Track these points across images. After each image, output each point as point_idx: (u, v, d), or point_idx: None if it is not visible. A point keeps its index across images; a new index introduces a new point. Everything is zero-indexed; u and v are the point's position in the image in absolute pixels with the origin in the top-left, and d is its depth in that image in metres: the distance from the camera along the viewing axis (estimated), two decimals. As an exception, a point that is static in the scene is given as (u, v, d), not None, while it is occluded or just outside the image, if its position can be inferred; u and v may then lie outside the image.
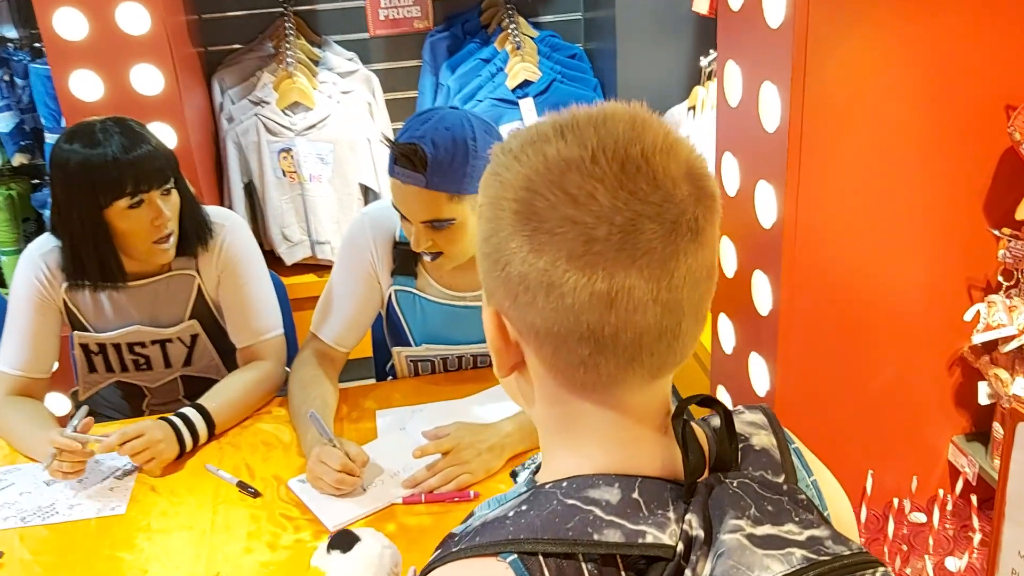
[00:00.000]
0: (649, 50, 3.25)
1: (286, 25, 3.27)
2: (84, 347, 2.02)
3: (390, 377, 2.29)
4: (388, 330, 2.07)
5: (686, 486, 0.72)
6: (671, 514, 0.71)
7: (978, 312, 1.79)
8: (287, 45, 3.22)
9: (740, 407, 0.85)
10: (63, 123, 2.86)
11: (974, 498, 1.93)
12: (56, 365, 2.00)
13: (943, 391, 1.96)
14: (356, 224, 1.99)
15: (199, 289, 2.00)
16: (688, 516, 0.70)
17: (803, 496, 0.74)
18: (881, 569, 0.70)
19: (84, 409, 1.80)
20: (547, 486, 0.74)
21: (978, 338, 1.79)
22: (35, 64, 2.97)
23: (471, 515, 0.84)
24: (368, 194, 3.37)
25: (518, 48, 3.29)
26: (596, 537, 0.69)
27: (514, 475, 1.18)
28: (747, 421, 0.83)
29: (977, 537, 1.85)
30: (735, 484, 0.72)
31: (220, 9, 3.34)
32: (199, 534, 1.66)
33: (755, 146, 1.78)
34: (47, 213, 3.19)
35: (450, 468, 1.70)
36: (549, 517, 0.71)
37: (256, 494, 1.73)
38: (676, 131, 0.71)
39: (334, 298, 2.00)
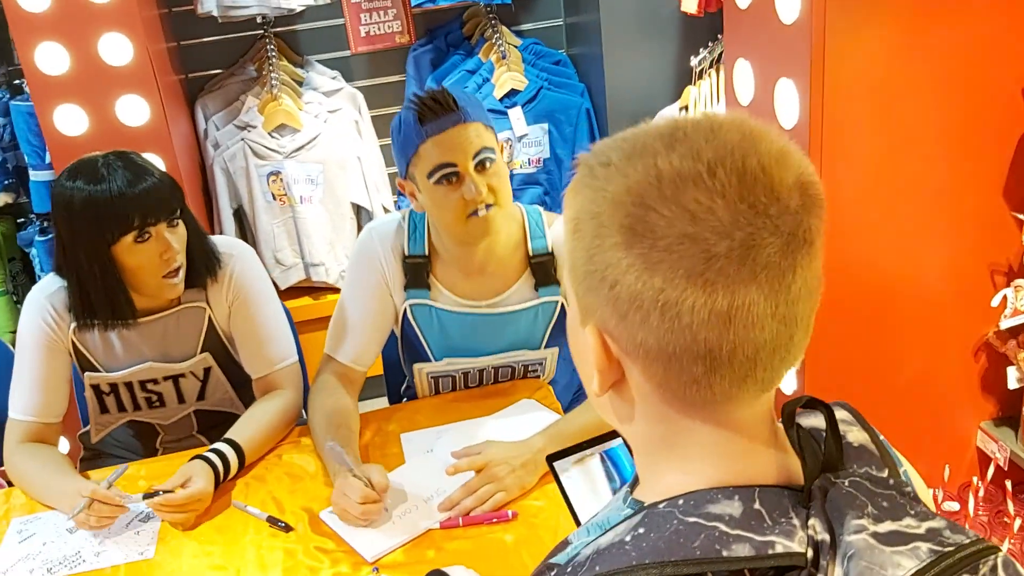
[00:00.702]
0: (635, 52, 3.23)
1: (267, 47, 3.22)
2: (95, 388, 1.96)
3: (404, 399, 2.25)
4: (404, 348, 2.03)
5: (805, 490, 0.70)
6: (795, 521, 0.69)
7: (1005, 297, 1.79)
8: (270, 67, 3.18)
9: (817, 400, 0.84)
10: (47, 159, 2.80)
11: (1008, 483, 1.92)
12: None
13: (970, 377, 1.96)
14: (364, 240, 1.95)
15: (210, 321, 1.95)
16: (811, 521, 0.69)
17: (909, 488, 0.73)
18: (1001, 554, 0.68)
19: (124, 467, 1.75)
20: (661, 505, 0.72)
21: (1006, 323, 1.78)
22: (15, 101, 2.90)
23: (565, 543, 0.81)
24: (360, 213, 3.32)
25: (503, 57, 3.26)
26: (725, 553, 0.67)
27: (550, 460, 1.15)
28: (838, 419, 0.81)
29: (1017, 523, 1.84)
30: (847, 484, 0.71)
31: (199, 35, 3.28)
32: (234, 574, 1.61)
33: (771, 143, 1.77)
34: (33, 252, 3.12)
35: (485, 487, 1.67)
36: (673, 538, 0.68)
37: (288, 528, 1.69)
38: (784, 137, 0.69)
39: (348, 317, 1.95)
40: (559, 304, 1.93)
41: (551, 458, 1.17)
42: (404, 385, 2.24)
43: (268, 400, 1.94)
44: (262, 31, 3.27)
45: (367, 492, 1.61)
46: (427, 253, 1.91)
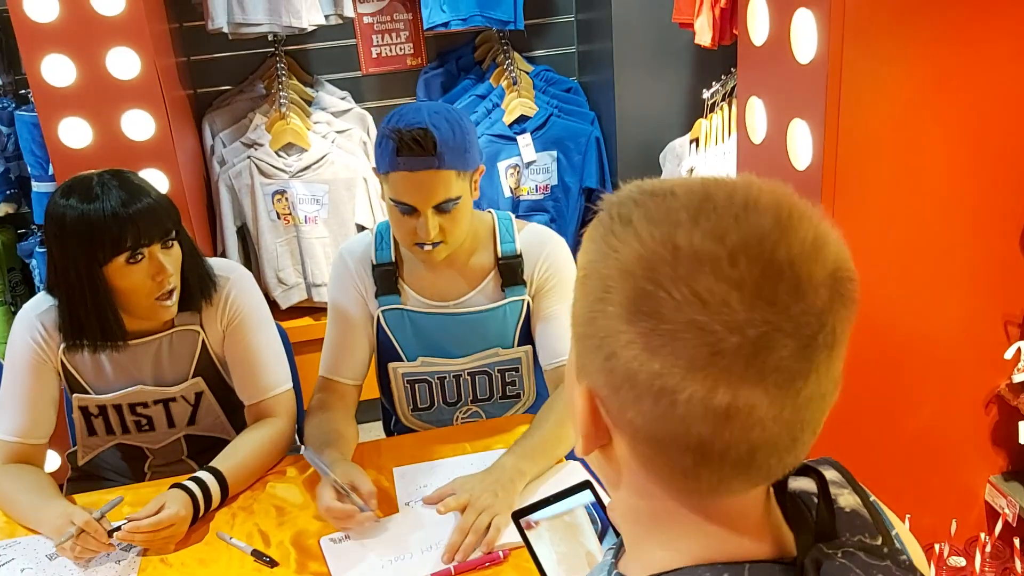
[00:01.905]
0: (647, 82, 3.21)
1: (277, 65, 3.20)
2: (83, 410, 1.92)
3: (395, 433, 2.21)
4: (380, 352, 2.04)
5: (798, 566, 0.66)
6: None
7: (1019, 350, 1.74)
8: (279, 85, 3.15)
9: (807, 463, 0.79)
10: (50, 171, 2.78)
11: (1016, 540, 1.87)
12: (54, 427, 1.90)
13: (980, 430, 1.90)
14: (336, 263, 2.02)
15: (203, 345, 1.91)
16: None
17: (904, 558, 0.69)
18: None
19: (119, 499, 1.71)
20: None
21: (1020, 376, 1.73)
22: (20, 111, 2.88)
23: None
24: (365, 235, 3.29)
25: (514, 83, 3.24)
26: None
27: (515, 517, 1.12)
28: (828, 480, 0.76)
29: (1025, 583, 1.79)
30: (840, 555, 0.67)
31: (209, 51, 3.27)
32: (215, 609, 1.56)
33: (782, 184, 1.73)
34: (33, 263, 3.09)
35: (478, 518, 1.62)
36: None
37: (272, 563, 1.64)
38: (825, 223, 0.63)
39: (336, 336, 1.99)
40: (525, 302, 1.96)
41: (517, 515, 1.14)
42: (393, 420, 2.21)
43: (258, 428, 1.90)
44: (273, 49, 3.25)
45: (332, 505, 1.61)
46: (394, 260, 1.95)
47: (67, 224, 1.70)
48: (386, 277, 1.95)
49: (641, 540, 0.72)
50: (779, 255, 0.59)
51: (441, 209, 1.77)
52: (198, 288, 1.87)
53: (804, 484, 0.74)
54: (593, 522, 1.16)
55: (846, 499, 0.76)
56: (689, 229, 0.60)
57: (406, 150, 1.71)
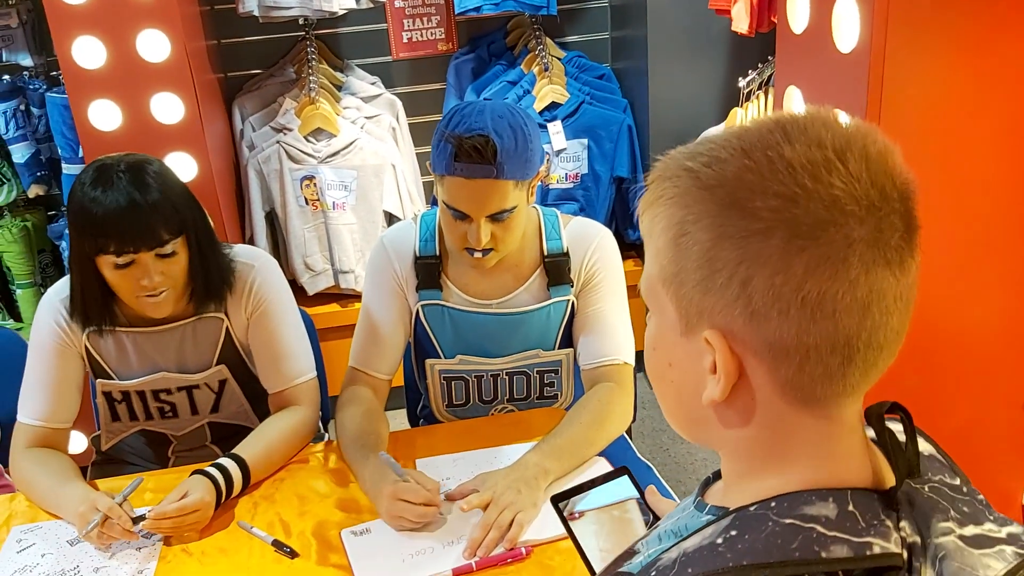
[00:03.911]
0: (681, 69, 3.15)
1: (308, 49, 3.18)
2: (107, 395, 1.91)
3: (421, 420, 2.19)
4: (417, 349, 2.00)
5: (895, 493, 0.71)
6: (888, 523, 0.70)
7: (1062, 352, 1.69)
8: (309, 70, 3.13)
9: (893, 402, 0.83)
10: (80, 153, 2.78)
11: (1055, 548, 1.81)
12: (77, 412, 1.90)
13: (1018, 433, 1.85)
14: (376, 250, 1.95)
15: (227, 332, 1.90)
16: (902, 523, 0.70)
17: (981, 496, 0.75)
18: None
19: (139, 480, 1.70)
20: (752, 508, 0.71)
21: (1063, 380, 1.68)
22: (52, 93, 2.88)
23: (632, 552, 0.81)
24: (392, 222, 3.26)
25: (546, 70, 3.20)
26: (824, 555, 0.67)
27: (554, 501, 1.09)
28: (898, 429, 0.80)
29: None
30: (927, 489, 0.73)
31: (239, 34, 3.25)
32: (234, 600, 1.55)
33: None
34: (63, 245, 3.10)
35: (501, 515, 1.59)
36: (770, 540, 0.68)
37: (293, 554, 1.62)
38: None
39: (369, 327, 1.94)
40: (570, 303, 1.91)
41: (556, 499, 1.12)
42: (420, 404, 2.18)
43: (282, 417, 1.88)
44: (303, 33, 3.23)
45: (427, 495, 1.60)
46: (438, 253, 1.90)
47: (72, 207, 1.71)
48: (428, 271, 1.90)
49: (751, 472, 0.74)
50: (872, 150, 0.66)
51: (495, 218, 1.73)
52: (215, 284, 1.83)
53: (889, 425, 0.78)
54: (644, 512, 1.13)
55: (923, 445, 0.79)
56: (789, 145, 0.66)
57: (464, 157, 1.66)
